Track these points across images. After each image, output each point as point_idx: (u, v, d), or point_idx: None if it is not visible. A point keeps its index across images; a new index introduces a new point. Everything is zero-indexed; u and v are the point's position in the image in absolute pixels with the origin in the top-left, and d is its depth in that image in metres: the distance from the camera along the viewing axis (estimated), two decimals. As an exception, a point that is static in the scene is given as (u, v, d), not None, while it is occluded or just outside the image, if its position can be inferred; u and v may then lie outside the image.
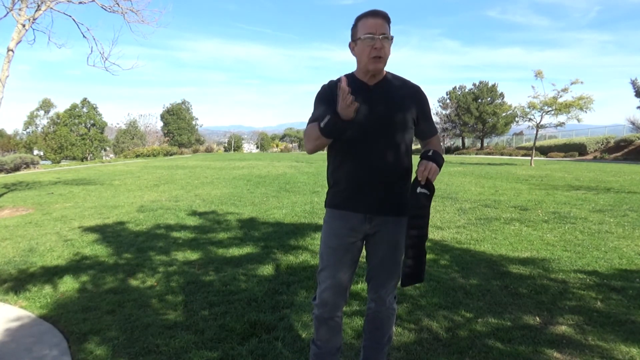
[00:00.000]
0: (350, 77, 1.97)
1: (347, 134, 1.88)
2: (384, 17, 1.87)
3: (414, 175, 2.08)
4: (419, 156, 1.93)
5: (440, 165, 1.89)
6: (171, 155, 37.07)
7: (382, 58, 1.86)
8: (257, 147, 68.77)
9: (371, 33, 1.83)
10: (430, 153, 1.89)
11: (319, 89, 2.03)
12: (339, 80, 2.00)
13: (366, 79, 1.96)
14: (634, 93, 28.63)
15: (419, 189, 1.87)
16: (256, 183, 11.74)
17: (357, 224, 1.96)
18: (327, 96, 1.95)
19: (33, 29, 8.96)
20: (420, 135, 2.05)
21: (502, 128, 41.39)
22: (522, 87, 26.43)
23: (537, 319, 2.94)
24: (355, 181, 1.94)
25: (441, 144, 2.11)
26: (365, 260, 2.11)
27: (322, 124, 1.81)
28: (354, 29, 1.92)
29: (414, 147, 2.11)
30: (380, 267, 2.03)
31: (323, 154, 2.10)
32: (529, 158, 21.15)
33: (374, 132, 1.91)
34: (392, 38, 1.90)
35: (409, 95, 1.97)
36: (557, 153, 29.85)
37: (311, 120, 1.95)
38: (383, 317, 2.10)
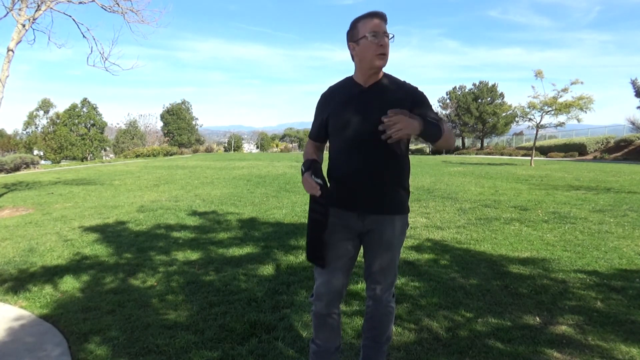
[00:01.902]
0: (349, 81, 2.04)
1: (344, 135, 1.97)
2: (385, 19, 1.93)
3: (412, 176, 2.08)
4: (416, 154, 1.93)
5: (430, 133, 1.82)
6: (171, 155, 37.07)
7: (386, 55, 1.91)
8: (257, 147, 68.77)
9: (376, 32, 1.87)
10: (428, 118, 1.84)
11: (319, 89, 2.09)
12: (341, 82, 2.09)
13: (362, 81, 1.98)
14: (634, 93, 28.61)
15: (313, 177, 1.94)
16: (256, 183, 11.74)
17: (350, 222, 1.99)
18: (322, 106, 2.10)
19: (33, 29, 8.98)
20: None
21: (502, 128, 41.37)
22: (522, 87, 26.46)
23: (537, 319, 2.94)
24: (349, 181, 1.97)
25: (452, 135, 2.01)
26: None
27: (303, 168, 2.03)
28: (353, 30, 1.94)
29: (414, 146, 2.10)
30: (375, 266, 2.06)
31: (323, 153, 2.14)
32: (529, 158, 21.15)
33: (368, 134, 1.92)
34: (392, 37, 1.94)
35: (405, 97, 1.96)
36: (557, 153, 29.84)
37: (310, 133, 2.17)
38: (381, 315, 2.12)
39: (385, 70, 2.02)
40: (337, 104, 2.01)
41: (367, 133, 1.92)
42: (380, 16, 1.90)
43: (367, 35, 1.88)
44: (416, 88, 2.03)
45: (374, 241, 2.02)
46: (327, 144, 2.17)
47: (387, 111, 1.92)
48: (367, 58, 1.91)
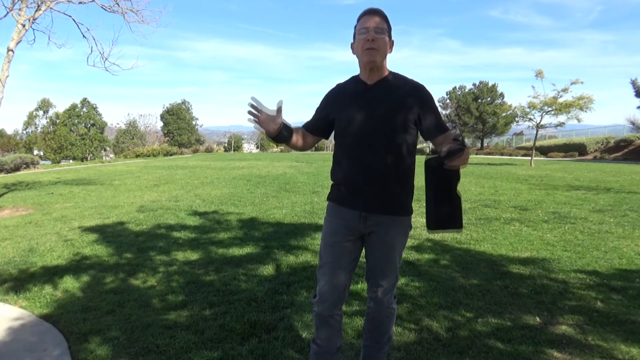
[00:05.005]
0: (354, 80, 2.04)
1: (348, 132, 1.95)
2: (379, 14, 1.93)
3: (415, 177, 2.07)
4: (424, 158, 1.91)
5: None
6: (171, 155, 37.06)
7: (376, 50, 1.89)
8: (257, 147, 68.68)
9: (365, 28, 1.90)
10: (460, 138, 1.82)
11: (320, 89, 2.10)
12: (348, 80, 2.07)
13: (366, 78, 1.98)
14: (634, 93, 28.60)
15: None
16: (256, 183, 11.74)
17: (352, 222, 1.97)
18: (327, 102, 2.09)
19: (33, 29, 8.97)
20: (427, 134, 1.99)
21: (502, 128, 41.37)
22: (523, 87, 26.56)
23: (537, 319, 2.94)
24: (353, 180, 1.96)
25: None
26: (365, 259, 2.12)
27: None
28: (354, 30, 1.98)
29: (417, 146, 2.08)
30: (377, 267, 2.04)
31: (323, 153, 2.13)
32: (529, 158, 21.14)
33: (373, 132, 1.92)
34: (388, 33, 1.94)
35: (410, 95, 1.95)
36: (557, 153, 29.84)
37: (304, 123, 2.16)
38: (382, 316, 2.11)
39: (389, 69, 2.02)
40: (342, 102, 2.00)
41: (372, 131, 1.91)
42: (374, 13, 1.92)
43: (357, 32, 1.94)
44: (422, 86, 2.01)
45: (377, 242, 2.00)
46: (333, 146, 2.17)
47: (392, 109, 1.92)
48: (359, 54, 1.95)
